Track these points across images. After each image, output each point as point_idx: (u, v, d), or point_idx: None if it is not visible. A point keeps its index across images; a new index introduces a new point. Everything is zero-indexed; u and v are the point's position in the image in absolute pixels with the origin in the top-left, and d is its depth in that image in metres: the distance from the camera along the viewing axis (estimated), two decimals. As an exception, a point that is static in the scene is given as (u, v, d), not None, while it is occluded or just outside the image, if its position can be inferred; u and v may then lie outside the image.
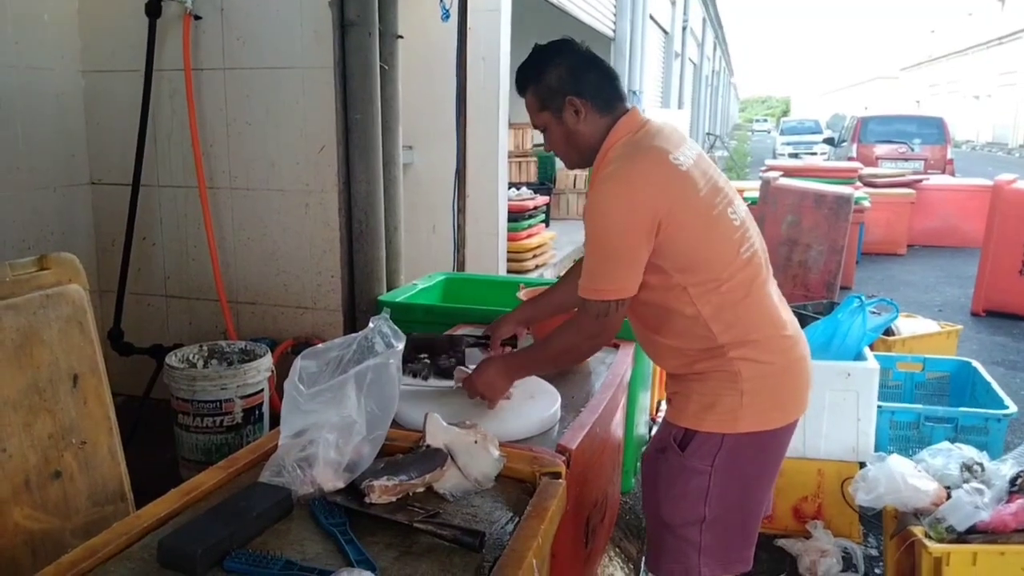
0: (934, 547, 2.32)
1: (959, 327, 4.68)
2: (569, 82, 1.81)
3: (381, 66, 3.37)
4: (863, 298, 3.35)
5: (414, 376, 2.06)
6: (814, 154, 20.57)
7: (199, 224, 3.60)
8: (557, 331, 1.90)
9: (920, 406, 3.38)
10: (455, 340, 2.21)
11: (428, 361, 2.11)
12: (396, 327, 1.61)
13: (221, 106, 3.54)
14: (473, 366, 2.00)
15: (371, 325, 1.61)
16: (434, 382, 2.07)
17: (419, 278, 3.63)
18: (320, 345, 1.59)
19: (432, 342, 2.17)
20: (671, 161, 1.74)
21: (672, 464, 1.85)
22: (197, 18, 3.46)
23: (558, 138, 1.88)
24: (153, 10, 3.43)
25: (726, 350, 1.76)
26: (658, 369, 3.66)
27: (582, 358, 2.00)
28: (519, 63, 1.92)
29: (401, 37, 3.53)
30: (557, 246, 7.21)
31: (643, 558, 2.89)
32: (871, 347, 3.40)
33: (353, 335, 1.61)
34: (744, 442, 1.80)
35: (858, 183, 9.39)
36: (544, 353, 1.93)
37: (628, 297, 1.75)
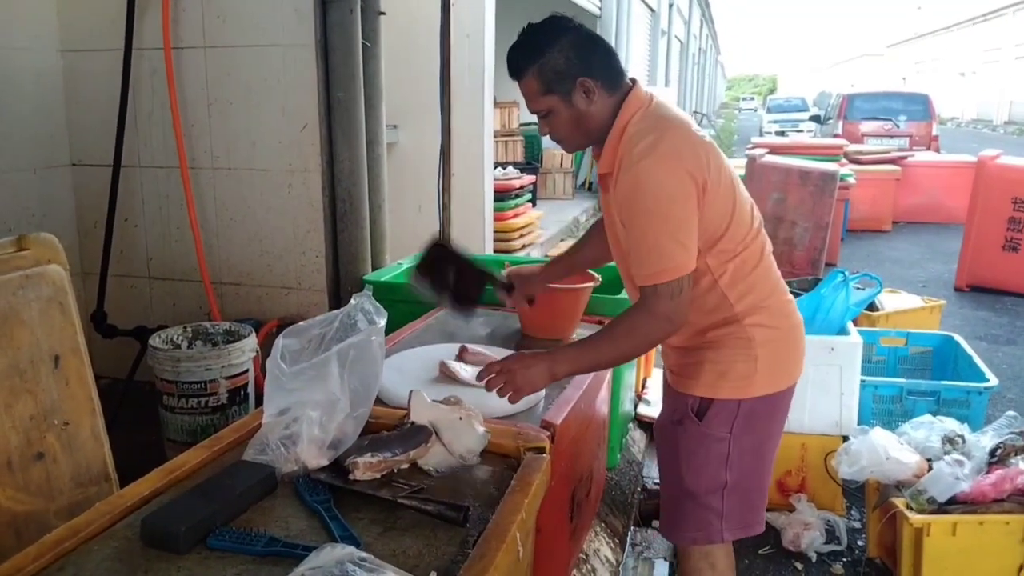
0: (915, 518, 2.35)
1: (942, 302, 4.72)
2: (577, 63, 1.72)
3: (363, 43, 3.34)
4: (846, 273, 3.36)
5: (431, 287, 2.03)
6: (800, 132, 20.59)
7: (181, 205, 3.57)
8: (623, 324, 1.75)
9: (903, 380, 3.41)
10: (481, 275, 2.09)
11: (452, 282, 2.03)
12: (378, 304, 1.61)
13: (202, 85, 3.50)
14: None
15: (353, 302, 1.60)
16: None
17: (405, 257, 3.62)
18: (302, 323, 1.58)
19: (461, 263, 2.05)
20: (695, 132, 1.75)
21: (691, 434, 1.88)
22: (176, -5, 3.42)
23: (565, 122, 1.78)
24: (131, -12, 3.39)
25: (740, 317, 1.80)
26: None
27: (655, 345, 1.85)
28: (505, 40, 1.85)
29: (383, 14, 3.50)
30: (544, 225, 7.21)
31: (628, 533, 2.92)
32: (855, 322, 3.42)
33: (335, 312, 1.60)
34: (758, 405, 1.85)
35: (843, 160, 9.41)
36: (608, 348, 1.75)
37: (691, 272, 1.69)
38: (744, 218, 1.81)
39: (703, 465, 1.89)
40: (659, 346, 1.92)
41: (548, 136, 1.86)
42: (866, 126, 13.98)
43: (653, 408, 3.70)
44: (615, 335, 1.75)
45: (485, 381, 1.74)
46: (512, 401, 1.73)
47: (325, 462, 1.51)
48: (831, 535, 2.93)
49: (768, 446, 1.95)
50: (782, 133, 21.24)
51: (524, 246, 6.40)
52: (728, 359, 1.82)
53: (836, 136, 13.60)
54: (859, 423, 3.06)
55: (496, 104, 7.23)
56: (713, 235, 1.75)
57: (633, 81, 1.83)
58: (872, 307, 4.34)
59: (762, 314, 1.82)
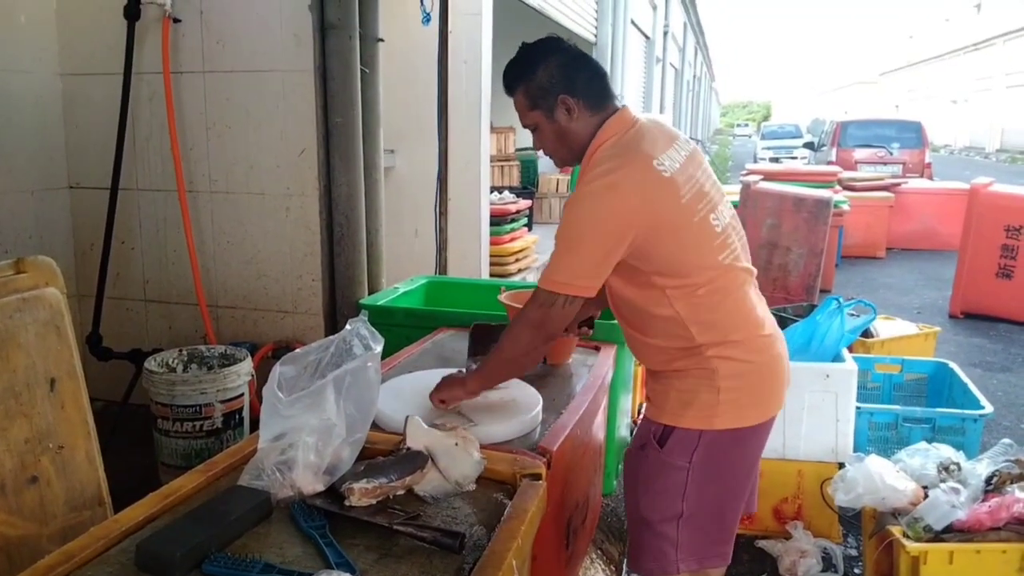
0: (912, 546, 2.34)
1: (937, 329, 4.73)
2: (560, 81, 1.80)
3: (362, 69, 3.37)
4: (841, 300, 3.37)
5: None
6: (794, 158, 20.71)
7: (178, 228, 3.58)
8: (507, 331, 1.88)
9: (898, 407, 3.42)
10: None
11: None
12: (374, 329, 1.61)
13: (200, 109, 3.52)
14: None
15: (348, 327, 1.60)
16: None
17: (401, 281, 3.62)
18: (299, 350, 1.59)
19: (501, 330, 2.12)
20: (655, 168, 1.73)
21: (652, 460, 1.88)
22: (176, 21, 3.45)
23: (549, 137, 1.87)
24: (132, 13, 3.42)
25: (703, 349, 1.79)
26: (640, 372, 3.67)
27: (524, 354, 1.87)
28: (501, 67, 1.91)
29: (382, 40, 3.53)
30: (539, 250, 7.21)
31: (624, 560, 2.90)
32: (850, 349, 3.43)
33: (331, 338, 1.60)
34: (722, 438, 1.83)
35: (837, 187, 9.47)
36: (492, 357, 1.89)
37: (578, 296, 1.74)
38: (707, 253, 1.79)
39: (660, 493, 1.87)
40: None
41: (540, 150, 1.93)
42: (859, 153, 14.08)
43: (649, 434, 3.69)
44: (501, 344, 1.87)
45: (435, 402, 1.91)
46: (445, 409, 1.89)
47: (321, 488, 1.50)
48: (828, 563, 2.92)
49: (732, 481, 1.92)
50: (776, 159, 21.34)
51: (520, 270, 6.40)
52: (692, 388, 1.82)
53: (830, 163, 13.68)
54: (855, 450, 3.06)
55: (492, 129, 7.27)
56: (664, 267, 1.76)
57: (622, 107, 1.87)
58: (867, 334, 4.35)
59: (729, 348, 1.80)
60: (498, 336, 2.03)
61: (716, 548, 1.93)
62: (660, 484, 1.87)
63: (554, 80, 1.80)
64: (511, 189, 7.94)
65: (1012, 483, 2.47)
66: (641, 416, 3.82)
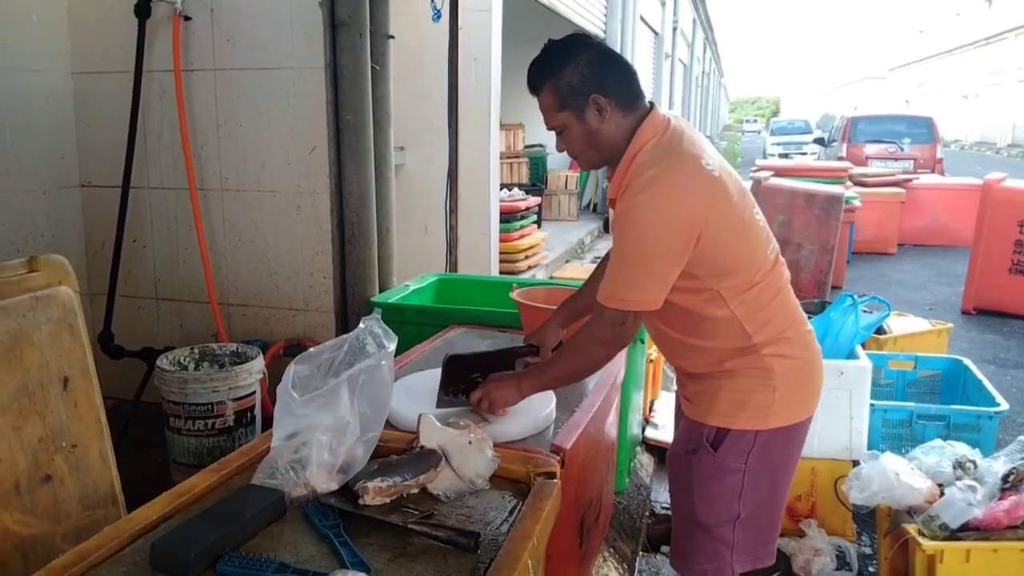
0: (928, 545, 2.32)
1: (950, 325, 4.69)
2: (592, 80, 1.71)
3: (372, 66, 3.36)
4: (855, 296, 3.35)
5: (467, 399, 1.95)
6: (804, 154, 20.63)
7: (190, 226, 3.58)
8: (572, 344, 1.85)
9: (912, 404, 3.39)
10: (505, 354, 2.10)
11: (482, 381, 1.99)
12: (387, 327, 1.60)
13: (211, 107, 3.52)
14: None
15: (362, 326, 1.60)
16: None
17: (411, 279, 3.62)
18: (312, 348, 1.58)
19: (482, 360, 2.06)
20: (705, 168, 1.68)
21: (705, 464, 1.85)
22: (187, 19, 3.45)
23: (578, 138, 1.77)
24: (142, 11, 3.42)
25: (759, 348, 1.77)
26: (651, 370, 3.66)
27: (595, 367, 1.87)
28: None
29: (392, 37, 3.52)
30: (549, 247, 7.21)
31: (637, 559, 2.89)
32: (863, 345, 3.40)
33: (344, 336, 1.59)
34: (775, 437, 1.82)
35: (848, 183, 9.42)
36: (557, 366, 1.85)
37: (647, 310, 1.72)
38: (758, 251, 1.78)
39: (716, 496, 1.85)
40: (668, 370, 1.91)
41: (564, 152, 1.86)
42: (870, 149, 14.00)
43: (661, 431, 3.68)
44: (565, 355, 1.85)
45: (475, 402, 1.86)
46: (491, 412, 1.84)
47: (335, 486, 1.49)
48: (842, 561, 2.90)
49: (782, 478, 1.92)
50: (786, 155, 21.25)
51: (530, 267, 6.40)
52: (746, 389, 1.79)
53: (840, 159, 13.61)
54: (869, 448, 3.03)
55: (502, 126, 7.26)
56: (722, 268, 1.72)
57: (651, 105, 1.80)
58: (880, 330, 4.32)
59: (781, 345, 1.79)
60: (473, 369, 1.99)
61: (766, 547, 1.94)
62: (716, 487, 1.85)
63: (585, 79, 1.71)
64: (520, 186, 7.94)
65: (1029, 481, 2.44)
66: (653, 415, 3.80)
